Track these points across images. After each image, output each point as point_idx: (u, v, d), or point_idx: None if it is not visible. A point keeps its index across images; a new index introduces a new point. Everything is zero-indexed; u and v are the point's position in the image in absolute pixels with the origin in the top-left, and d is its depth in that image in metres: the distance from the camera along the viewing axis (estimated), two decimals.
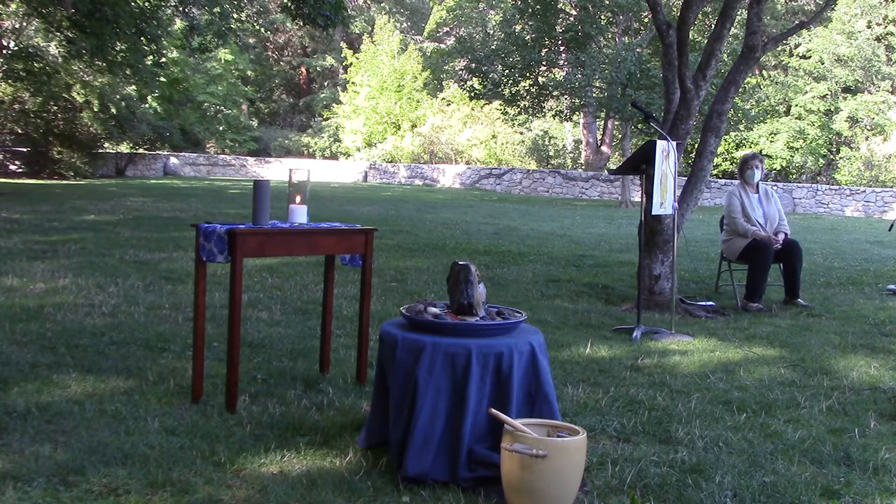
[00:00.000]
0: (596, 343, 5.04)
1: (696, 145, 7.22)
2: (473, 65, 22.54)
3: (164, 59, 20.60)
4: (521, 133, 32.77)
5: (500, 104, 23.29)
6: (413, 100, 34.62)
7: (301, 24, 13.83)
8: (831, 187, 22.52)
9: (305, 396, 3.68)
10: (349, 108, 35.06)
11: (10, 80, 22.90)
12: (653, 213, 5.57)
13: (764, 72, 27.94)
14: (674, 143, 5.51)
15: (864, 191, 21.75)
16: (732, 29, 9.05)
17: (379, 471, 2.86)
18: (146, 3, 17.04)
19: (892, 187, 22.31)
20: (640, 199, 5.89)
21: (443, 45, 35.70)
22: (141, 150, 30.43)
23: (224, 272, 6.50)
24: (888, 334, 5.66)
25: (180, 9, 17.56)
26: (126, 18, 16.18)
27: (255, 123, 39.15)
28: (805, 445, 3.29)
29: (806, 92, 25.54)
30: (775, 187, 22.06)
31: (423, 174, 30.84)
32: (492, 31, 26.56)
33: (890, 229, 8.69)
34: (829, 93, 25.43)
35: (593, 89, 21.14)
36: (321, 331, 4.11)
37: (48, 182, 22.66)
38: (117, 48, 17.88)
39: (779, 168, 25.43)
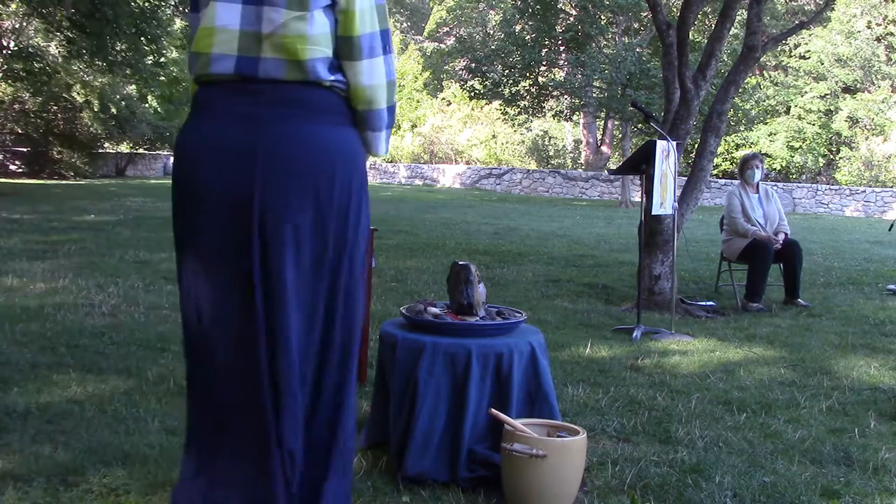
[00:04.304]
0: (596, 343, 5.03)
1: (696, 145, 7.22)
2: (473, 65, 22.53)
3: (164, 59, 20.59)
4: (522, 133, 32.76)
5: (500, 104, 23.27)
6: (413, 100, 34.59)
7: None
8: (831, 187, 22.51)
9: None
10: None
11: (10, 80, 22.88)
12: (653, 213, 5.57)
13: (764, 72, 27.92)
14: (674, 143, 5.52)
15: (864, 191, 21.75)
16: (732, 29, 9.05)
17: (379, 471, 2.85)
18: (146, 3, 17.05)
19: (892, 187, 22.30)
20: (640, 199, 5.89)
21: (443, 45, 35.66)
22: (141, 150, 30.39)
23: None
24: (888, 334, 5.66)
25: (180, 9, 17.57)
26: (126, 18, 16.20)
27: None
28: (805, 445, 3.29)
29: (806, 92, 25.53)
30: (775, 187, 22.06)
31: (423, 174, 30.83)
32: (492, 31, 26.54)
33: (890, 229, 8.69)
34: (829, 92, 25.42)
35: (593, 89, 21.13)
36: None
37: (48, 182, 22.64)
38: (117, 48, 17.89)
39: (779, 168, 25.43)
